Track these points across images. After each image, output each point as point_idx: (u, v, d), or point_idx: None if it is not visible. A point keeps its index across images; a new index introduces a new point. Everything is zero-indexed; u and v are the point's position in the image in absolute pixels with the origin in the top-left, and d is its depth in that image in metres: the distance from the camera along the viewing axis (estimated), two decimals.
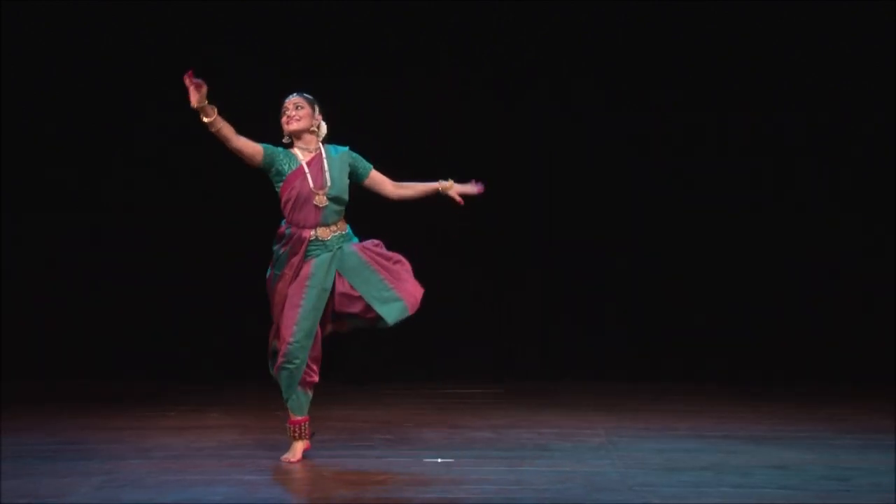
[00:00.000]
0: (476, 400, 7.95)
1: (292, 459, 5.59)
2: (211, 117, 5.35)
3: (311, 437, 5.69)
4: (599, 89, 8.80)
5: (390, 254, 5.65)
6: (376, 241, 5.71)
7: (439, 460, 5.59)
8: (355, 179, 5.71)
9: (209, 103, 5.34)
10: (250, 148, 5.54)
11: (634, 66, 8.77)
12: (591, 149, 8.81)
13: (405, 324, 5.69)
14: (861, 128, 8.73)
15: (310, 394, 5.66)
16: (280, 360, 5.54)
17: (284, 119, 5.66)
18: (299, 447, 5.62)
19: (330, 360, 8.76)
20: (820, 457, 5.70)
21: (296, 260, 5.56)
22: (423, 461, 5.60)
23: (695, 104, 8.78)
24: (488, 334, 8.92)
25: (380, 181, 5.75)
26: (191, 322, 8.84)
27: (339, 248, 5.59)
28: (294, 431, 5.64)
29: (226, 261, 8.82)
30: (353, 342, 8.68)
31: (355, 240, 5.69)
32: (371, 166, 5.75)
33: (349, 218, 5.74)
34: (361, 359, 8.63)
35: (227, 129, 5.44)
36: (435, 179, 5.79)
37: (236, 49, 8.69)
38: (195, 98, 5.31)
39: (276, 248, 5.63)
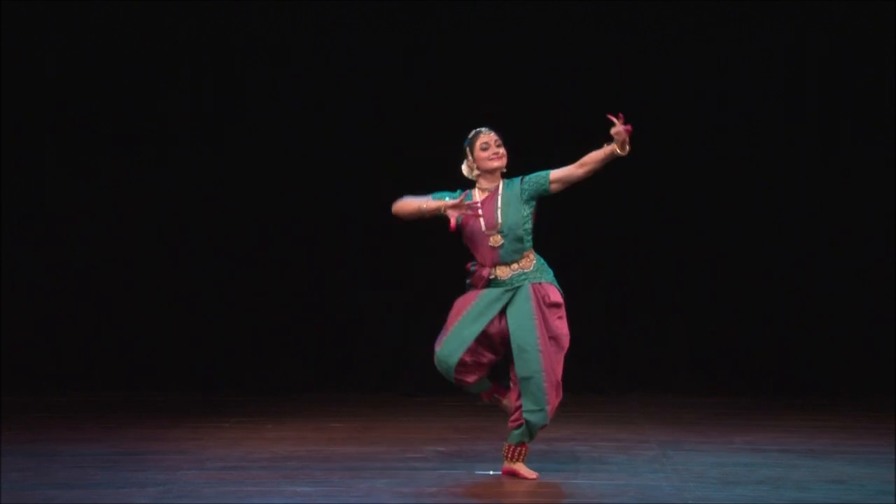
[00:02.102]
0: None
1: (500, 396, 5.54)
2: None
3: (508, 392, 5.53)
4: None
5: (557, 327, 5.47)
6: (557, 300, 5.49)
7: (491, 473, 5.58)
8: (544, 195, 5.51)
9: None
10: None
11: None
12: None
13: None
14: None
15: (475, 383, 5.48)
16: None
17: (488, 155, 5.49)
18: (503, 401, 5.55)
19: (384, 372, 8.90)
20: (879, 471, 5.61)
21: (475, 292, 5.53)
22: (476, 473, 5.59)
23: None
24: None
25: (565, 177, 5.47)
26: (247, 333, 8.90)
27: (519, 286, 5.44)
28: (490, 400, 5.58)
29: (280, 272, 8.88)
30: (408, 355, 8.76)
31: (547, 277, 5.49)
32: (548, 173, 5.49)
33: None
34: (417, 371, 8.63)
35: (421, 202, 5.47)
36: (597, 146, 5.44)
37: None
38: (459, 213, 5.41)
39: (467, 281, 5.61)
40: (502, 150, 5.53)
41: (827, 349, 8.66)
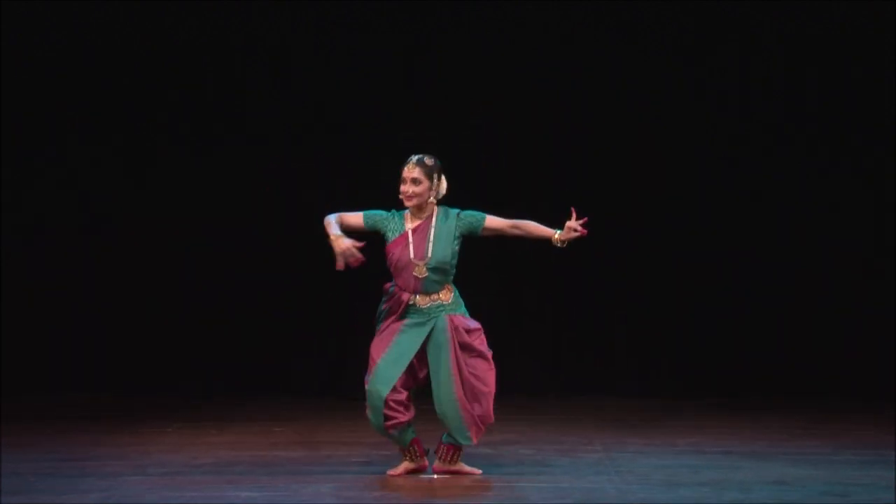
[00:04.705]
0: None
1: (393, 473, 5.60)
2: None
3: (427, 454, 5.64)
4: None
5: (479, 351, 5.52)
6: (476, 326, 5.56)
7: (435, 476, 5.58)
8: (472, 236, 5.56)
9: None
10: (351, 222, 5.54)
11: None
12: (595, 161, 8.80)
13: None
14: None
15: (403, 427, 5.53)
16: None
17: (403, 190, 5.49)
18: (406, 465, 5.61)
19: (326, 375, 8.87)
20: (820, 472, 5.68)
21: (392, 319, 5.55)
22: (419, 477, 5.59)
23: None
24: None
25: (497, 228, 5.55)
26: (189, 337, 8.83)
27: (436, 317, 5.51)
28: (405, 455, 5.62)
29: (229, 277, 8.83)
30: (350, 358, 8.72)
31: (461, 310, 5.56)
32: (484, 217, 5.55)
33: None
34: (359, 374, 8.60)
35: (331, 229, 5.47)
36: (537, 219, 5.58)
37: None
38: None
39: (381, 302, 5.62)
40: (413, 189, 5.49)
41: (766, 352, 8.75)
